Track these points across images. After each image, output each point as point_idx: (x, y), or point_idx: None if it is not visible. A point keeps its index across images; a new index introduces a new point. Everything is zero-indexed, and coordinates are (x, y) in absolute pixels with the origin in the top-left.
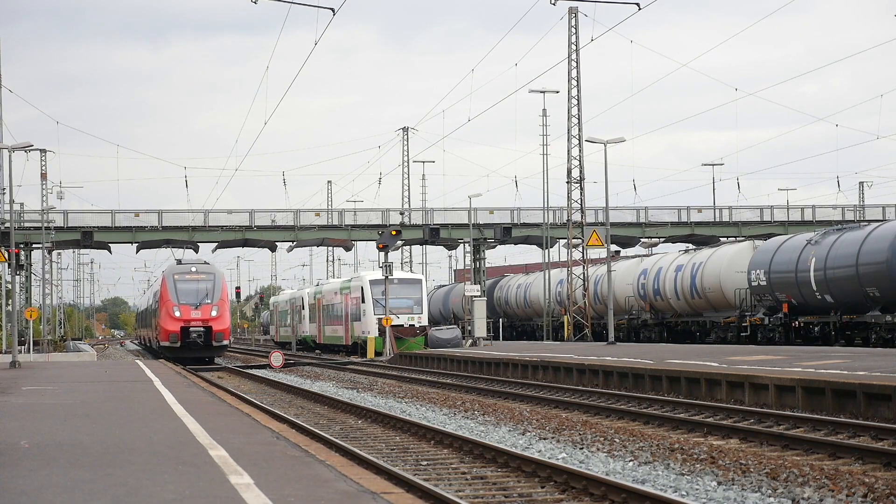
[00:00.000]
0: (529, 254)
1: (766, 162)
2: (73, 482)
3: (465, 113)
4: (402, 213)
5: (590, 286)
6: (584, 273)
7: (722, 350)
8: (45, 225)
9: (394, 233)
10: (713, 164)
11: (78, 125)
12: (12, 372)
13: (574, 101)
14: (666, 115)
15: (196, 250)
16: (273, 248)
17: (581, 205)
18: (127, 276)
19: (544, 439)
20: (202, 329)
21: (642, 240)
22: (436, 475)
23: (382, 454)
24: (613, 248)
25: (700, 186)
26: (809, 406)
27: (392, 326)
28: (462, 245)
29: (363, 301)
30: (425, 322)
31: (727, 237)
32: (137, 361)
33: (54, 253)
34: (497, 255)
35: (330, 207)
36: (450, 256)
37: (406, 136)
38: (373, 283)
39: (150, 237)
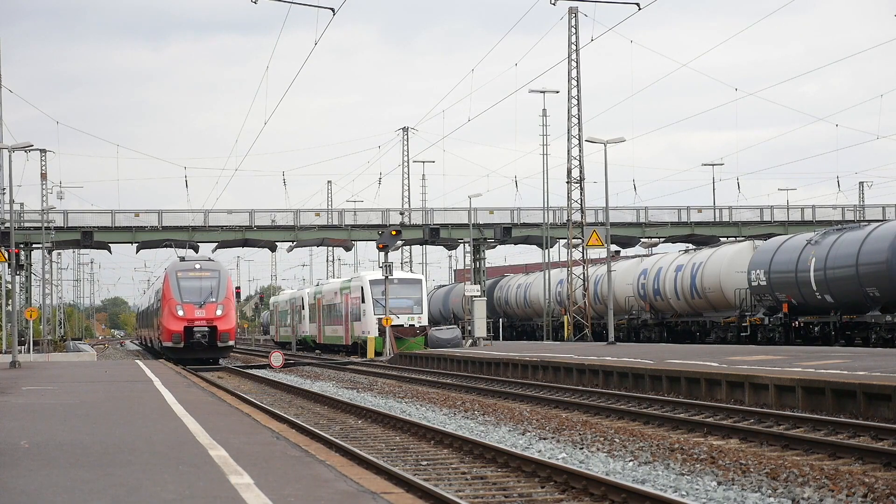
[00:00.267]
0: (529, 254)
1: (766, 162)
2: (73, 482)
3: (465, 113)
4: (402, 213)
5: (590, 286)
6: (584, 273)
7: (722, 350)
8: (45, 225)
9: (394, 233)
10: (713, 164)
11: (78, 125)
12: (12, 372)
13: (574, 101)
14: (666, 115)
15: (196, 250)
16: (273, 248)
17: (581, 205)
18: (127, 276)
19: (544, 439)
20: (206, 329)
21: (642, 240)
22: (436, 475)
23: (382, 454)
24: (613, 248)
25: (700, 186)
26: (809, 406)
27: (392, 326)
28: (462, 245)
29: (363, 301)
30: (425, 322)
31: (727, 237)
32: (137, 361)
33: (54, 253)
34: (497, 255)
35: (330, 207)
36: (450, 256)
37: (406, 136)
38: (373, 283)
39: (150, 237)
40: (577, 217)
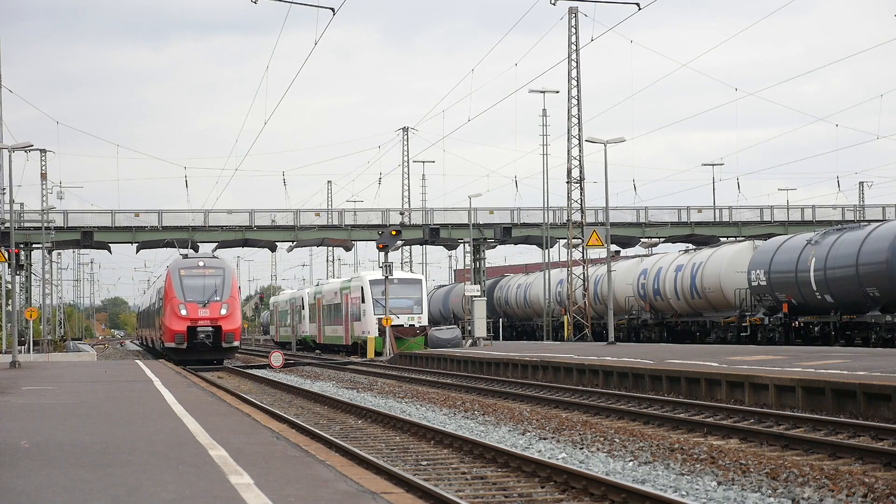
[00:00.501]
0: (529, 254)
1: (766, 162)
2: (72, 482)
3: (465, 113)
4: (402, 213)
5: (590, 286)
6: (584, 273)
7: (722, 350)
8: (45, 225)
9: (394, 233)
10: (713, 164)
11: (78, 125)
12: (12, 372)
13: (574, 101)
14: (666, 115)
15: (196, 250)
16: (273, 248)
17: (581, 205)
18: (127, 276)
19: (544, 439)
20: (211, 329)
21: (642, 240)
22: (436, 475)
23: (382, 454)
24: (613, 248)
25: (700, 186)
26: (809, 406)
27: (392, 326)
28: (462, 245)
29: (363, 301)
30: (425, 322)
31: (727, 237)
32: (137, 361)
33: (54, 253)
34: (497, 255)
35: (330, 207)
36: (450, 256)
37: (406, 136)
38: (373, 283)
39: (150, 237)
40: (577, 217)
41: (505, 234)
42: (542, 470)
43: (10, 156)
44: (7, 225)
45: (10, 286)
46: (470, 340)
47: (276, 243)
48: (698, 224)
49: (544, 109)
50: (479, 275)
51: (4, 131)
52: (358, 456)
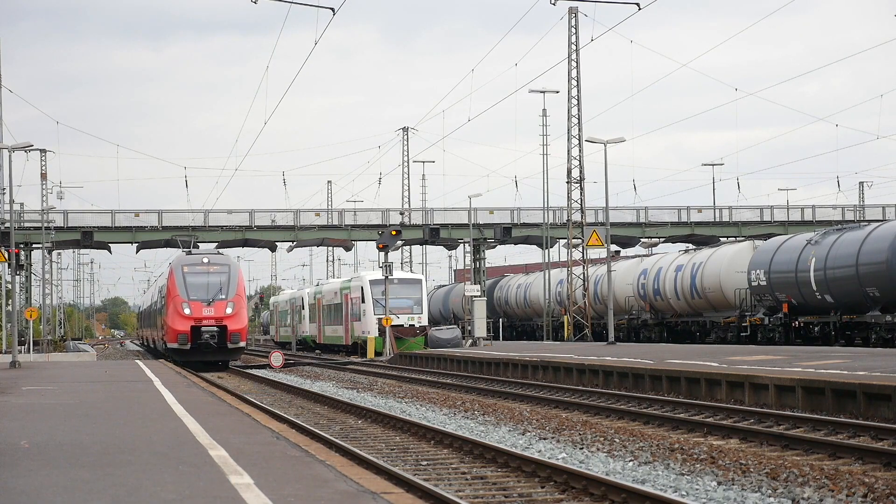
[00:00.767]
0: (529, 254)
1: (766, 162)
2: (72, 482)
3: (465, 113)
4: (402, 213)
5: (590, 286)
6: (584, 273)
7: (722, 350)
8: (45, 225)
9: (394, 233)
10: (713, 164)
11: (78, 125)
12: (12, 372)
13: (574, 101)
14: (666, 115)
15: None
16: (273, 248)
17: (581, 205)
18: (127, 276)
19: (544, 439)
20: (216, 329)
21: (642, 240)
22: (436, 475)
23: (382, 454)
24: (613, 248)
25: (700, 186)
26: (809, 406)
27: (392, 326)
28: (462, 245)
29: (363, 301)
30: (425, 322)
31: (727, 237)
32: (137, 361)
33: (54, 253)
34: (497, 255)
35: (330, 207)
36: (450, 256)
37: (406, 136)
38: (373, 283)
39: (150, 237)
40: (577, 217)
41: (505, 234)
42: (542, 470)
43: (10, 156)
44: (7, 225)
45: (10, 286)
46: (470, 340)
47: (276, 243)
48: (698, 224)
49: (544, 109)
50: (479, 275)
51: (4, 131)
52: (358, 456)
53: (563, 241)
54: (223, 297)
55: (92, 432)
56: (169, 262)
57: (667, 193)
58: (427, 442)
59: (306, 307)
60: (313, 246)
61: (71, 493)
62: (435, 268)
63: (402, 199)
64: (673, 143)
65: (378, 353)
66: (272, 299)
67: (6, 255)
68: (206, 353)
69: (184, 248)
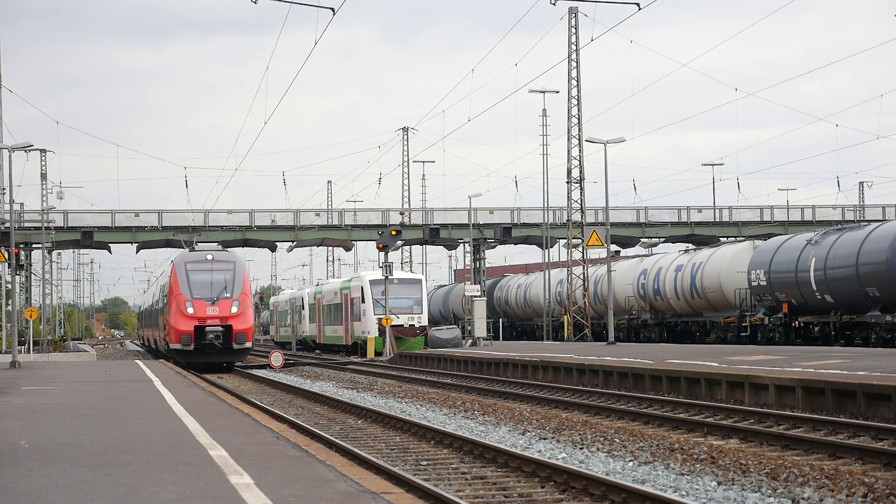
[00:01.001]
0: (529, 254)
1: (766, 162)
2: (72, 482)
3: (465, 113)
4: (402, 213)
5: (590, 286)
6: (584, 273)
7: (722, 350)
8: (45, 225)
9: (394, 233)
10: (713, 164)
11: (78, 125)
12: (12, 372)
13: (574, 101)
14: (666, 115)
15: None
16: (273, 248)
17: (581, 205)
18: (127, 276)
19: (544, 439)
20: (220, 329)
21: (642, 240)
22: (436, 475)
23: (382, 454)
24: (613, 248)
25: (700, 186)
26: (809, 406)
27: (392, 326)
28: (462, 245)
29: (363, 301)
30: (425, 322)
31: (727, 237)
32: (137, 361)
33: (54, 253)
34: (497, 255)
35: (330, 207)
36: (450, 256)
37: (406, 136)
38: (373, 283)
39: (150, 237)
40: (577, 217)
41: (505, 234)
42: (542, 470)
43: (10, 156)
44: (7, 225)
45: (10, 286)
46: (470, 340)
47: (276, 243)
48: (698, 224)
49: (544, 109)
50: (479, 275)
51: (4, 131)
52: (358, 456)
53: (563, 241)
54: (228, 295)
55: (92, 432)
56: (171, 259)
57: (667, 193)
58: (427, 442)
59: (306, 307)
60: (313, 246)
61: (71, 493)
62: (435, 268)
63: (402, 199)
64: (673, 143)
65: (378, 353)
66: (272, 299)
67: (6, 255)
68: (210, 354)
69: (185, 243)
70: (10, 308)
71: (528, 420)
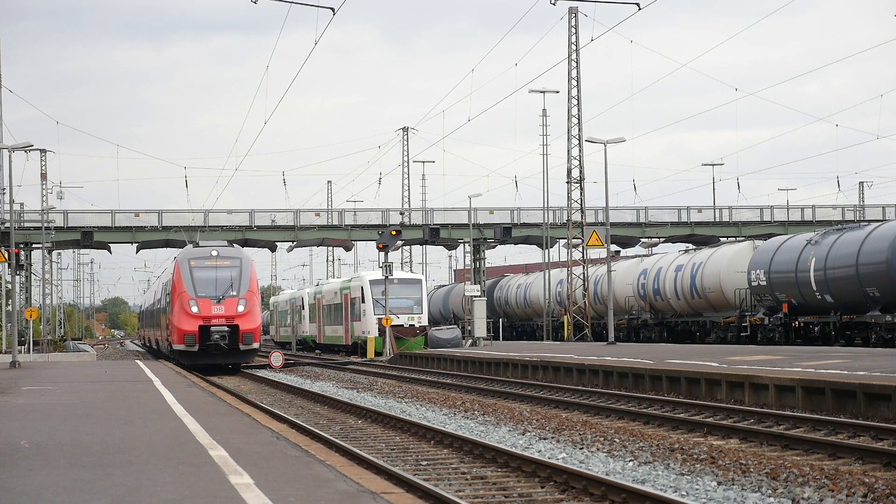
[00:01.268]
0: (529, 254)
1: (766, 162)
2: (73, 482)
3: (466, 113)
4: (402, 213)
5: (590, 286)
6: (584, 273)
7: (722, 350)
8: (45, 225)
9: (394, 233)
10: (713, 164)
11: (78, 125)
12: (12, 372)
13: (574, 101)
14: (666, 115)
15: None
16: (273, 248)
17: (581, 205)
18: (127, 276)
19: (544, 439)
20: (226, 329)
21: (642, 240)
22: (436, 475)
23: (382, 454)
24: (613, 248)
25: (700, 186)
26: (809, 406)
27: (392, 326)
28: (462, 245)
29: (363, 301)
30: (425, 322)
31: (727, 237)
32: (137, 361)
33: (54, 253)
34: (497, 255)
35: (330, 207)
36: (450, 256)
37: (406, 136)
38: (373, 283)
39: (150, 237)
40: (577, 217)
41: (505, 234)
42: (542, 470)
43: (10, 156)
44: (7, 225)
45: (10, 286)
46: (470, 340)
47: (276, 243)
48: (698, 224)
49: (544, 109)
50: (479, 275)
51: (4, 131)
52: (358, 456)
53: (563, 241)
54: (234, 293)
55: (92, 432)
56: (174, 256)
57: (667, 193)
58: (427, 442)
59: (306, 307)
60: (313, 246)
61: (71, 493)
62: (435, 268)
63: (402, 199)
64: (673, 143)
65: (378, 353)
66: (272, 299)
67: (6, 255)
68: (215, 355)
69: (189, 241)
70: (10, 308)
71: (528, 420)
